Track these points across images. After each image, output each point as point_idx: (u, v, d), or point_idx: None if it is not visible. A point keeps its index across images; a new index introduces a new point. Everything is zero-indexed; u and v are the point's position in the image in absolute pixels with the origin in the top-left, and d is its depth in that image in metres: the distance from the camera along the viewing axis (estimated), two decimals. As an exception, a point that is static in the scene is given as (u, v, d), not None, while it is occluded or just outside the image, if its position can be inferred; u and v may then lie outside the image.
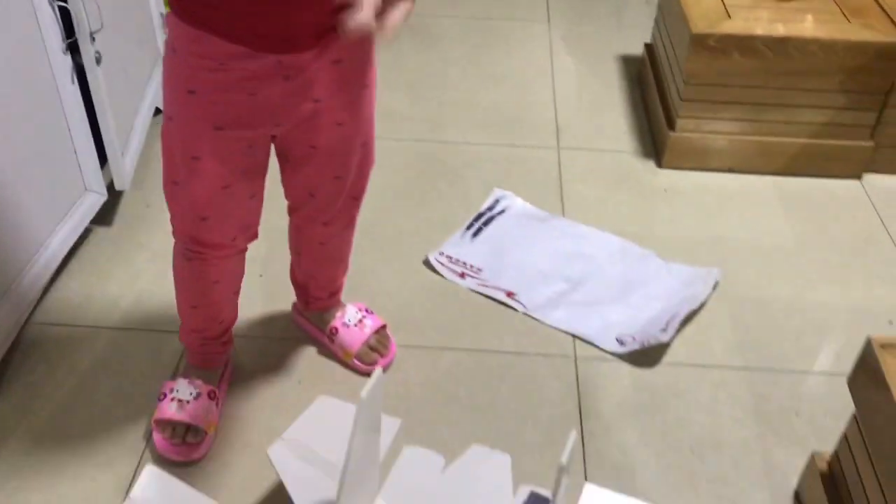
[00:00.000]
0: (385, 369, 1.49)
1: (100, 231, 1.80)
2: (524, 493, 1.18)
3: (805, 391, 1.52)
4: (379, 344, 1.50)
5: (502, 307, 1.67)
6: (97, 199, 1.71)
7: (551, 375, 1.54)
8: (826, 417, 1.46)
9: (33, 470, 1.33)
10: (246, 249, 1.32)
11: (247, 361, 1.53)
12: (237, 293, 1.39)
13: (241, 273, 1.36)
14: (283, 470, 1.18)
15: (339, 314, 1.51)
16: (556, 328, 1.63)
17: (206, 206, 1.19)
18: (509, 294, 1.69)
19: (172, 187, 1.20)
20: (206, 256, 1.27)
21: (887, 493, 1.07)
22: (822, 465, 1.27)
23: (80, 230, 1.67)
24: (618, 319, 1.64)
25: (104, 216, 1.80)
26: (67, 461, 1.35)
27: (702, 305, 1.67)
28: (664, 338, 1.57)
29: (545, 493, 1.18)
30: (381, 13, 0.90)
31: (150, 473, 1.15)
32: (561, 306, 1.67)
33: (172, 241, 1.28)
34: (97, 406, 1.44)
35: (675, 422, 1.46)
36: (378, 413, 1.11)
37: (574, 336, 1.61)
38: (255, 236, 1.30)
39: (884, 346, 1.12)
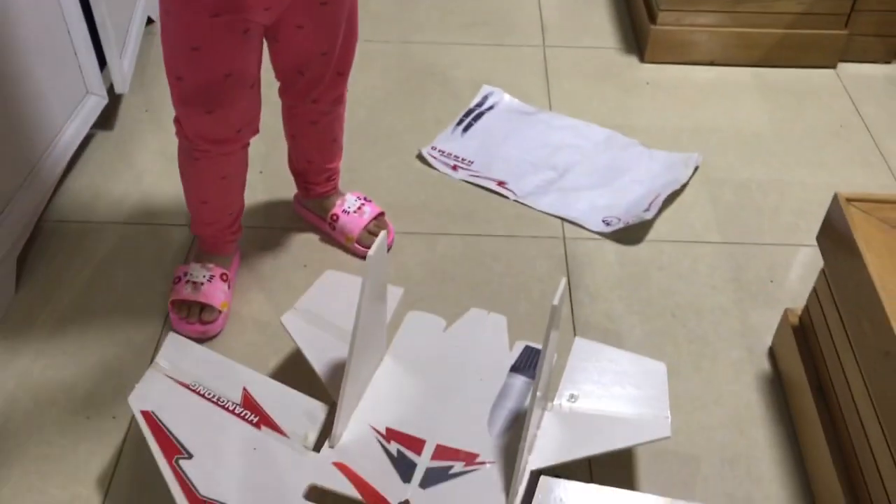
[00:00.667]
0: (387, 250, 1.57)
1: (102, 135, 1.85)
2: (519, 347, 1.29)
3: (779, 262, 1.62)
4: (378, 228, 1.58)
5: (494, 195, 1.75)
6: (98, 101, 1.76)
7: (541, 255, 1.63)
8: (798, 283, 1.57)
9: (59, 349, 1.42)
10: (248, 144, 1.39)
11: (252, 250, 1.61)
12: (244, 185, 1.47)
13: (247, 166, 1.43)
14: (296, 335, 1.28)
15: (338, 202, 1.59)
16: (545, 213, 1.71)
17: (210, 97, 1.25)
18: (500, 183, 1.77)
19: (177, 83, 1.25)
20: (212, 154, 1.33)
21: (852, 337, 1.17)
22: (794, 320, 1.38)
23: (84, 132, 1.73)
24: (603, 203, 1.73)
25: (106, 120, 1.86)
26: (91, 341, 1.44)
27: (683, 187, 1.76)
28: (647, 216, 1.66)
29: (537, 346, 1.28)
30: None
31: (173, 340, 1.24)
32: (550, 192, 1.75)
33: (176, 142, 1.35)
34: (114, 292, 1.52)
35: (658, 291, 1.56)
36: (384, 276, 1.20)
37: (562, 219, 1.70)
38: (257, 130, 1.36)
39: (849, 199, 1.21)
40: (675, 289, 1.56)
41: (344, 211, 1.58)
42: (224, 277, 1.46)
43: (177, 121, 1.32)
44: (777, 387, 1.40)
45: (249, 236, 1.62)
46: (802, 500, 1.24)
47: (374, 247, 1.09)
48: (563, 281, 1.06)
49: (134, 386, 1.19)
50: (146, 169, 1.78)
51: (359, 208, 1.59)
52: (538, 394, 1.09)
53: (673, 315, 1.52)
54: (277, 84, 1.43)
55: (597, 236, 1.67)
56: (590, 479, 1.24)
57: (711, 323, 1.50)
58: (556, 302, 1.03)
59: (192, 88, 1.24)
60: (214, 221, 1.46)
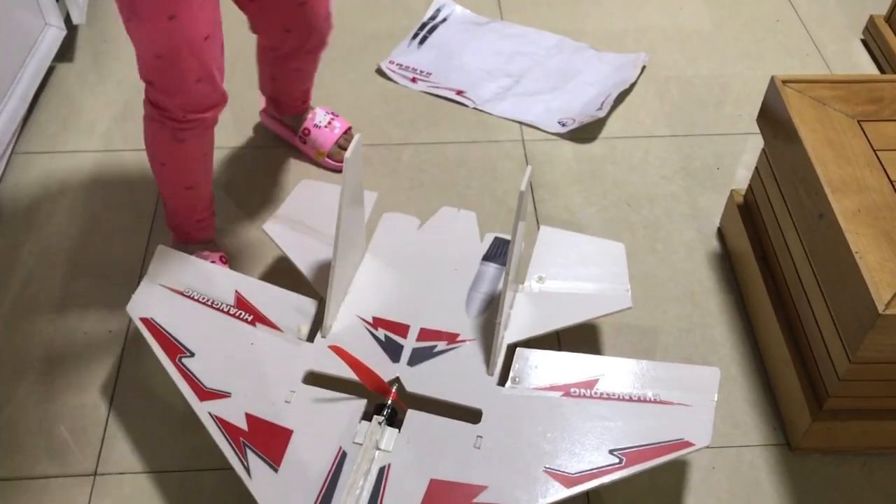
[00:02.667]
0: None
1: (63, 67, 1.87)
2: (489, 238, 1.38)
3: (725, 150, 1.73)
4: (347, 143, 1.65)
5: (453, 104, 1.82)
6: (57, 33, 1.77)
7: (503, 157, 1.71)
8: (742, 168, 1.68)
9: (47, 275, 1.48)
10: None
11: (224, 170, 1.67)
12: (212, 161, 1.41)
13: (214, 142, 1.38)
14: (280, 241, 1.35)
15: (309, 116, 1.64)
16: (503, 118, 1.79)
17: (194, 63, 1.18)
18: (459, 92, 1.84)
19: (156, 62, 1.18)
20: (198, 125, 1.27)
21: (790, 206, 1.28)
22: (739, 199, 1.49)
23: (47, 64, 1.75)
24: (558, 105, 1.81)
25: (65, 53, 1.87)
26: (78, 263, 1.49)
27: (632, 86, 1.85)
28: (600, 114, 1.75)
29: (506, 237, 1.38)
30: None
31: (162, 253, 1.31)
32: (506, 98, 1.83)
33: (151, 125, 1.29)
34: (94, 216, 1.57)
35: (613, 184, 1.66)
36: (360, 178, 1.27)
37: (520, 123, 1.78)
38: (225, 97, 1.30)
39: (784, 81, 1.32)
40: (629, 180, 1.67)
41: (315, 125, 1.64)
42: (223, 259, 1.46)
43: (154, 108, 1.25)
44: (725, 262, 1.52)
45: (220, 156, 1.67)
46: (752, 359, 1.38)
47: (350, 149, 1.17)
48: (529, 168, 1.15)
49: (130, 297, 1.26)
50: (112, 98, 1.81)
51: (329, 123, 1.65)
52: (510, 276, 1.19)
53: (628, 204, 1.62)
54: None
55: (554, 137, 1.75)
56: (557, 344, 1.36)
57: (664, 209, 1.61)
58: (523, 188, 1.12)
59: (175, 56, 1.16)
60: (199, 207, 1.40)
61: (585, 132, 1.75)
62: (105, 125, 1.75)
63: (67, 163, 1.67)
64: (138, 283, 1.29)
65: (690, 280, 1.49)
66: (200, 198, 1.39)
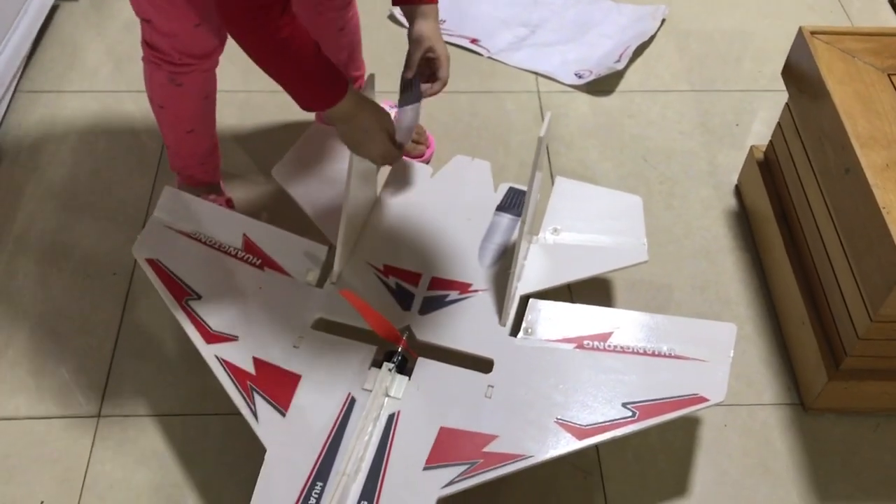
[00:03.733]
0: (428, 161, 1.52)
1: (68, 6, 1.82)
2: (504, 188, 1.35)
3: (744, 106, 1.69)
4: (418, 135, 1.52)
5: (467, 53, 1.78)
6: (62, -31, 1.73)
7: (517, 109, 1.67)
8: (761, 125, 1.64)
9: (52, 215, 1.45)
10: (218, 62, 1.29)
11: (232, 115, 1.62)
12: (215, 104, 1.35)
13: (216, 82, 1.33)
14: (288, 186, 1.32)
15: None
16: (519, 68, 1.75)
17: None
18: (473, 41, 1.80)
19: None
20: (195, 69, 1.23)
21: (814, 162, 1.25)
22: (759, 156, 1.46)
23: (50, 2, 1.71)
24: (575, 57, 1.77)
25: (69, -9, 1.83)
26: (82, 205, 1.47)
27: (651, 39, 1.80)
28: (618, 67, 1.70)
29: (521, 187, 1.35)
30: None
31: (169, 193, 1.28)
32: (522, 49, 1.78)
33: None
34: (99, 158, 1.54)
35: (630, 138, 1.62)
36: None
37: (536, 74, 1.74)
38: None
39: (813, 32, 1.27)
40: (646, 135, 1.63)
41: None
42: (230, 203, 1.42)
43: (150, 49, 1.21)
44: (742, 219, 1.49)
45: (227, 99, 1.64)
46: (767, 318, 1.35)
47: (363, 89, 1.13)
48: (549, 115, 1.11)
49: (135, 240, 1.23)
50: (117, 39, 1.76)
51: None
52: (525, 226, 1.16)
53: (644, 159, 1.59)
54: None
55: (570, 89, 1.71)
56: (570, 297, 1.33)
57: (681, 165, 1.58)
58: (542, 133, 1.09)
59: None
60: (201, 150, 1.36)
61: (602, 85, 1.71)
62: (110, 66, 1.71)
63: (71, 103, 1.63)
64: (144, 225, 1.27)
65: (706, 237, 1.46)
66: (203, 141, 1.35)
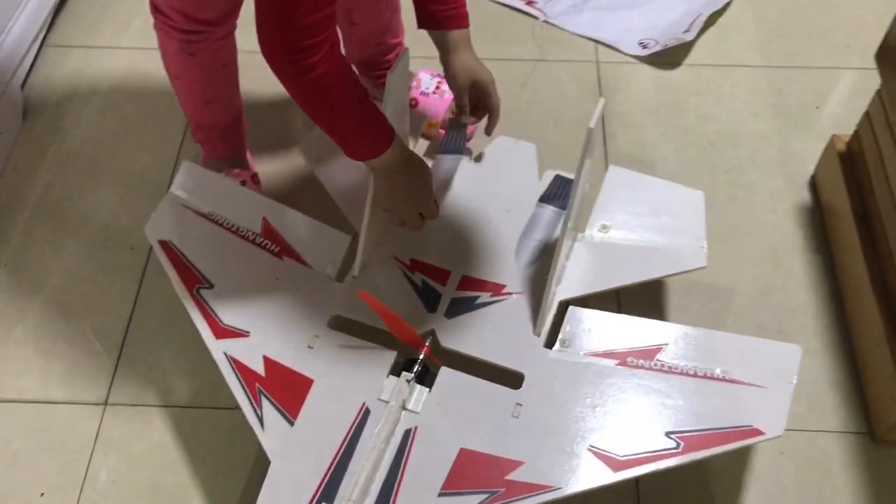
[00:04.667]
0: (469, 139, 1.36)
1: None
2: (549, 176, 1.23)
3: (827, 87, 1.51)
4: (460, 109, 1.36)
5: (521, 15, 1.64)
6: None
7: (573, 80, 1.53)
8: (847, 110, 1.47)
9: (72, 181, 1.38)
10: (235, 26, 1.19)
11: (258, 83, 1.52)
12: (237, 71, 1.25)
13: (236, 48, 1.23)
14: (312, 162, 1.22)
15: (413, 84, 1.39)
16: (577, 34, 1.60)
17: None
18: (529, 2, 1.65)
19: None
20: (207, 37, 1.14)
21: (904, 162, 1.10)
22: (841, 147, 1.30)
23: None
24: (640, 24, 1.61)
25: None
26: (103, 172, 1.39)
27: (726, 6, 1.63)
28: (687, 37, 1.54)
29: (569, 175, 1.22)
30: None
31: (188, 169, 1.19)
32: (583, 12, 1.63)
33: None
34: (124, 122, 1.46)
35: (695, 118, 1.47)
36: (405, 99, 1.13)
37: (596, 41, 1.59)
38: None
39: (916, 12, 1.10)
40: (713, 115, 1.48)
41: (422, 93, 1.38)
42: (255, 179, 1.32)
43: (157, 13, 1.12)
44: (816, 217, 1.34)
45: (252, 62, 1.53)
46: (838, 332, 1.21)
47: (396, 65, 1.02)
48: (602, 102, 0.98)
49: (150, 216, 1.15)
50: (150, -10, 1.67)
51: (437, 87, 1.39)
52: (569, 222, 1.04)
53: (710, 143, 1.44)
54: None
55: (632, 60, 1.56)
56: (618, 311, 1.21)
57: (749, 151, 1.42)
58: (592, 124, 0.96)
59: None
60: (223, 122, 1.27)
61: (668, 57, 1.55)
62: (142, 19, 1.62)
63: (100, 61, 1.55)
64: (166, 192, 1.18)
65: (773, 236, 1.32)
66: (224, 113, 1.25)
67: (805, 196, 1.36)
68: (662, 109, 1.48)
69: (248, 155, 1.35)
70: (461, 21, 1.13)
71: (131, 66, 1.54)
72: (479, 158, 1.25)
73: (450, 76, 1.16)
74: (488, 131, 1.21)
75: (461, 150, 1.22)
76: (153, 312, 1.23)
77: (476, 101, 1.18)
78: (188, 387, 1.16)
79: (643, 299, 1.23)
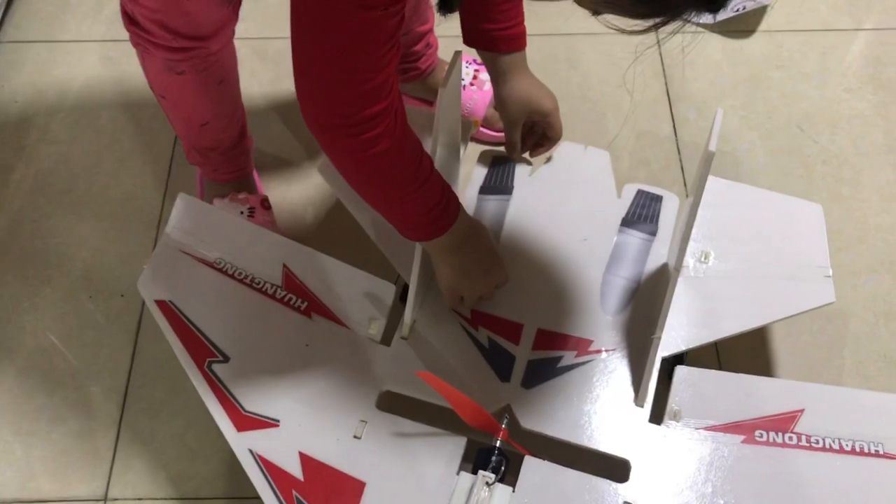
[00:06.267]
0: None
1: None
2: (630, 191, 1.00)
3: (929, 51, 1.29)
4: None
5: (561, -21, 1.39)
6: None
7: (630, 56, 1.28)
8: (957, 79, 1.25)
9: (43, 211, 1.15)
10: (234, 33, 0.96)
11: (268, 94, 1.28)
12: (238, 82, 1.03)
13: (236, 57, 1.00)
14: (339, 189, 0.99)
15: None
16: (628, 0, 1.36)
17: None
18: (568, -37, 1.40)
19: None
20: (197, 54, 0.91)
21: None
22: (971, 133, 1.08)
23: (35, -78, 1.35)
24: (702, -17, 1.37)
25: None
26: (78, 201, 1.16)
27: (802, -42, 1.39)
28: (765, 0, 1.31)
29: (654, 190, 1.00)
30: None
31: (185, 202, 0.96)
32: (632, -28, 1.39)
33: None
34: (102, 134, 1.23)
35: (779, 98, 1.25)
36: (458, 112, 0.90)
37: (651, 7, 1.35)
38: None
39: None
40: (801, 93, 1.25)
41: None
42: (266, 204, 1.10)
43: (132, 25, 0.89)
44: (938, 216, 1.13)
45: (258, 48, 1.29)
46: (978, 361, 1.02)
47: (449, 75, 0.79)
48: (720, 113, 0.77)
49: (145, 247, 0.93)
50: (121, -33, 1.41)
51: (475, 78, 1.18)
52: (680, 262, 0.82)
53: (800, 128, 1.22)
54: None
55: (698, 29, 1.32)
56: (714, 347, 1.01)
57: (849, 136, 1.20)
58: (712, 147, 0.74)
59: None
60: (223, 143, 1.05)
61: (740, 23, 1.32)
62: (115, 4, 1.36)
63: (67, 57, 1.30)
64: (158, 230, 0.96)
65: (889, 241, 1.11)
66: (224, 133, 1.02)
67: (922, 190, 1.15)
68: (739, 88, 1.26)
69: (255, 174, 1.12)
70: (518, 43, 0.93)
71: (105, 63, 1.30)
72: (537, 170, 1.03)
73: (499, 105, 0.97)
74: (534, 154, 1.02)
75: (508, 189, 1.00)
76: (154, 378, 1.01)
77: (530, 131, 0.99)
78: (204, 472, 0.95)
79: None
